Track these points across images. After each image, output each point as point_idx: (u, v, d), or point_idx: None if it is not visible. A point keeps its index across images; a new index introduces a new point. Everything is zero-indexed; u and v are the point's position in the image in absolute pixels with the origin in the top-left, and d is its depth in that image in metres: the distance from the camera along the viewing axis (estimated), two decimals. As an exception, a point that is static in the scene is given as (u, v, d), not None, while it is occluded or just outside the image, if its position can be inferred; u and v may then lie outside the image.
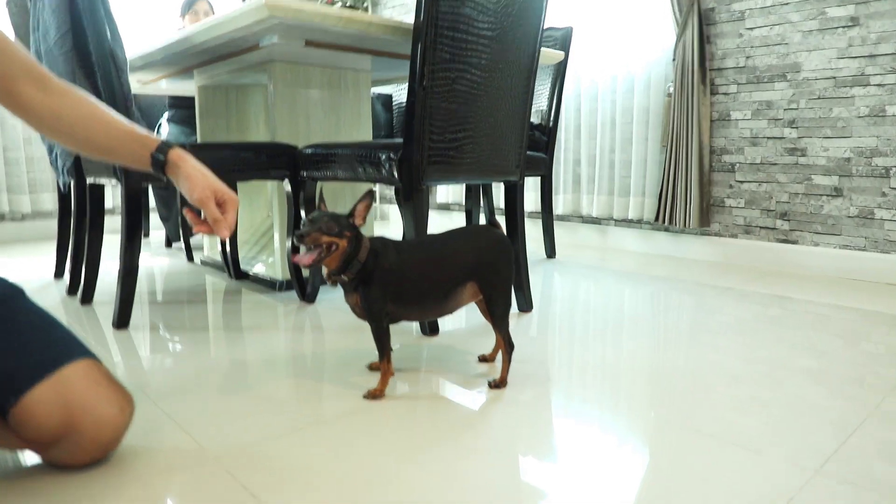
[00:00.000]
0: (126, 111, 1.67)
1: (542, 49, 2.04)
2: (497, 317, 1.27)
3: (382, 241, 1.23)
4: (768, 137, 2.70)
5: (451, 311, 1.29)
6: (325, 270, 1.21)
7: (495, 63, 1.64)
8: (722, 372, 1.30)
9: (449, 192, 4.21)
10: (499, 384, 1.26)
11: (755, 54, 2.71)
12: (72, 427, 0.87)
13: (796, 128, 2.62)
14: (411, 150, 1.53)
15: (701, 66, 2.82)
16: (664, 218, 3.00)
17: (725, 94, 2.82)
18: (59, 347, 0.91)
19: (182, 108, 3.23)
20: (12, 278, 0.97)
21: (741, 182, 2.82)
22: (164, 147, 1.02)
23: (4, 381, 0.85)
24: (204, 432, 1.06)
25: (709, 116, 2.87)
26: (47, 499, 0.85)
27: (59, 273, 2.52)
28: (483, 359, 1.42)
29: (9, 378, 0.86)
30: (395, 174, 1.58)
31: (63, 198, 2.45)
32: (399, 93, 3.23)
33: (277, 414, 1.15)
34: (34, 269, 2.73)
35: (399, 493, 0.86)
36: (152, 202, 3.93)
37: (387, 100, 3.19)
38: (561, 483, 0.90)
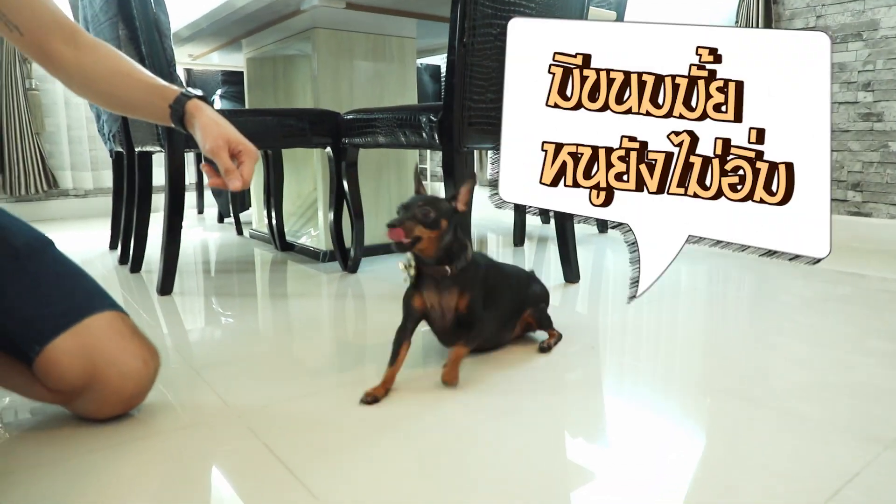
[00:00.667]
0: (170, 77, 1.67)
1: (592, 8, 1.94)
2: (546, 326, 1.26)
3: (480, 258, 1.15)
4: (840, 102, 2.52)
5: (505, 342, 1.24)
6: (406, 262, 1.08)
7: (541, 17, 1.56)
8: (785, 355, 1.19)
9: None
10: (548, 347, 1.23)
11: (827, 13, 2.53)
12: (95, 378, 0.87)
13: (872, 91, 2.43)
14: (451, 112, 1.47)
15: (766, 28, 2.66)
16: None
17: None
18: (85, 298, 0.91)
19: (234, 84, 3.26)
20: (70, 250, 0.97)
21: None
22: (182, 98, 0.99)
23: (30, 330, 0.85)
24: (232, 391, 1.04)
25: (774, 82, 2.70)
26: (70, 447, 0.85)
27: (113, 245, 2.59)
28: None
29: (34, 327, 0.86)
30: (436, 137, 1.53)
31: (118, 170, 2.50)
32: (447, 64, 3.17)
33: (307, 377, 1.13)
34: (92, 242, 2.81)
35: (423, 456, 0.82)
36: (206, 179, 4.00)
37: (435, 71, 3.13)
38: (613, 451, 0.84)
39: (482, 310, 1.08)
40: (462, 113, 1.48)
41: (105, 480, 0.77)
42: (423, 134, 1.56)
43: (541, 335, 1.26)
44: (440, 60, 3.18)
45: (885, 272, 1.99)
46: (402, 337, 1.07)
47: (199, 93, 1.01)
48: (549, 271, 1.97)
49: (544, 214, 3.25)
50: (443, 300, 1.06)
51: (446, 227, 1.02)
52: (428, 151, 4.76)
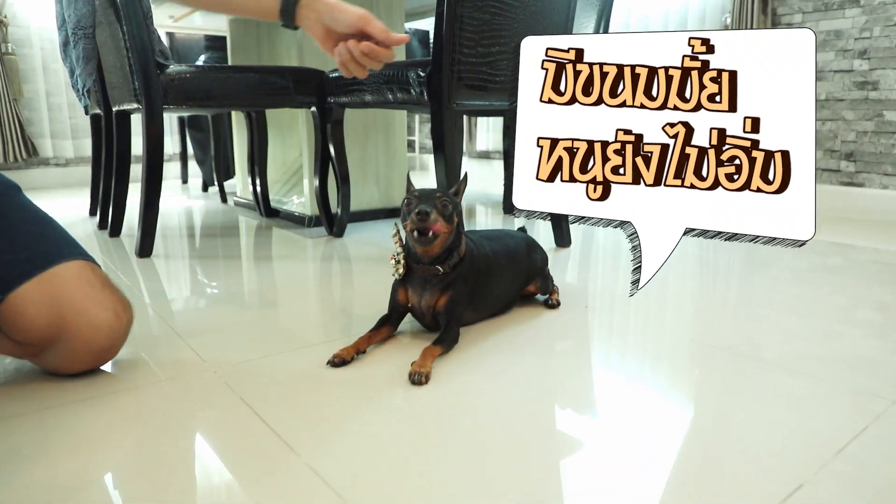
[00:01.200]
0: (148, 33, 1.59)
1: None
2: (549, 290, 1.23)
3: (470, 235, 1.08)
4: (835, 71, 2.48)
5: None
6: (397, 256, 1.00)
7: (533, -29, 1.50)
8: (773, 327, 1.15)
9: (489, 140, 4.07)
10: (556, 303, 1.20)
11: (824, -22, 2.48)
12: (63, 329, 0.82)
13: (868, 59, 2.39)
14: (440, 67, 1.42)
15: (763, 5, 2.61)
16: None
17: (789, 24, 2.60)
18: (52, 246, 0.85)
19: (219, 50, 3.18)
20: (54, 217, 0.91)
21: (802, 121, 2.61)
22: None
23: (-8, 277, 0.80)
24: (209, 348, 1.00)
25: (769, 50, 2.65)
26: (38, 401, 0.80)
27: (93, 211, 2.52)
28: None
29: (-4, 274, 0.80)
30: (424, 94, 1.48)
31: (96, 134, 2.42)
32: (437, 30, 3.09)
33: (286, 337, 1.09)
34: (72, 209, 2.74)
35: (401, 418, 0.78)
36: (191, 150, 3.92)
37: (423, 36, 3.05)
38: (605, 414, 0.81)
39: (461, 310, 1.00)
40: (451, 68, 1.43)
41: (76, 435, 0.73)
42: (412, 91, 1.50)
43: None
44: (429, 25, 3.10)
45: (876, 243, 1.97)
46: (385, 321, 1.02)
47: None
48: (539, 237, 1.93)
49: (534, 185, 3.21)
50: (423, 299, 1.00)
51: (457, 222, 0.97)
52: (417, 123, 4.69)
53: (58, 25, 2.01)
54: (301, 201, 2.32)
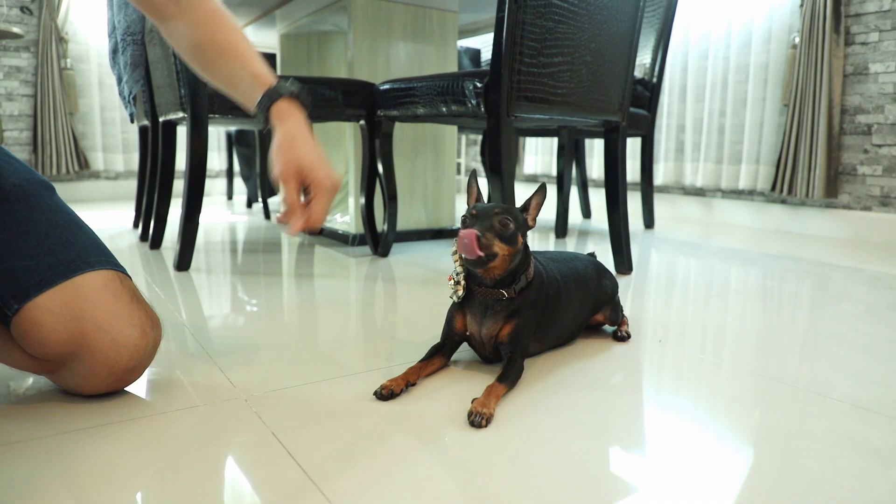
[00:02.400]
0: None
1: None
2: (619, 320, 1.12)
3: (536, 256, 0.96)
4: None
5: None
6: (457, 277, 0.89)
7: (601, -22, 1.41)
8: (845, 370, 0.99)
9: (537, 163, 3.97)
10: (627, 335, 1.09)
11: (906, -5, 2.32)
12: (82, 346, 0.73)
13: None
14: (499, 76, 1.33)
15: (835, 12, 2.46)
16: (782, 188, 2.65)
17: (864, 43, 2.44)
18: (79, 253, 0.77)
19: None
20: (96, 229, 0.84)
21: (878, 146, 2.44)
22: (272, 94, 0.83)
23: (9, 283, 0.72)
24: (241, 372, 0.91)
25: (841, 70, 2.50)
26: (54, 424, 0.72)
27: (137, 223, 2.50)
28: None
29: (14, 281, 0.72)
30: (481, 106, 1.38)
31: (143, 146, 2.41)
32: (488, 48, 3.02)
33: (324, 362, 0.99)
34: (117, 221, 2.72)
35: (456, 467, 0.67)
36: (236, 166, 3.92)
37: (475, 55, 2.99)
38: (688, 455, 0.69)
39: (527, 340, 0.89)
40: (511, 78, 1.33)
41: (91, 464, 0.64)
42: (468, 103, 1.41)
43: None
44: (481, 43, 3.03)
45: (971, 277, 1.78)
46: (438, 350, 0.91)
47: (296, 88, 0.85)
48: (596, 262, 1.81)
49: (586, 209, 3.08)
50: (484, 327, 0.89)
51: (521, 243, 0.86)
52: (463, 145, 4.62)
53: (108, 32, 2.00)
54: (345, 219, 2.25)
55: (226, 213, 3.22)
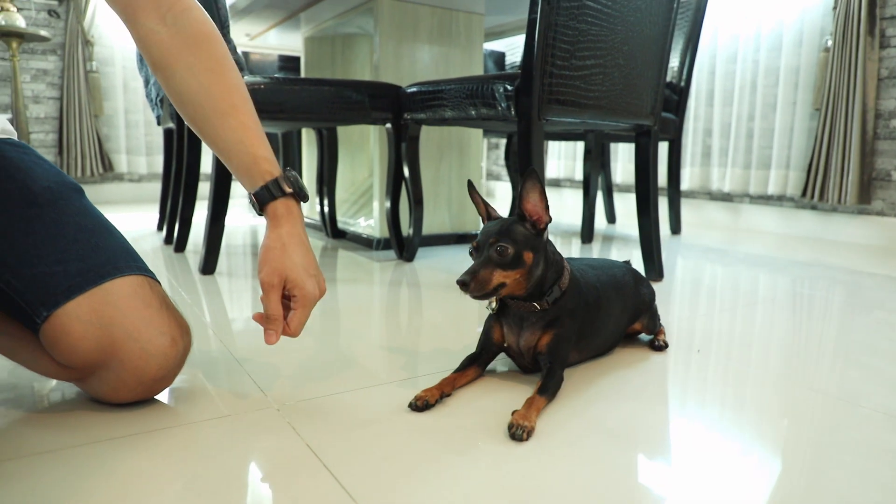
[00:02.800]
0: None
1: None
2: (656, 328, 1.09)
3: (572, 263, 0.93)
4: (956, 97, 2.25)
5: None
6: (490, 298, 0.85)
7: (635, -21, 1.38)
8: (878, 384, 0.94)
9: (560, 167, 3.93)
10: (664, 344, 1.05)
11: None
12: (111, 354, 0.72)
13: None
14: (531, 79, 1.30)
15: (870, 14, 2.40)
16: (813, 193, 2.59)
17: (900, 46, 2.38)
18: (108, 257, 0.75)
19: (292, 71, 3.17)
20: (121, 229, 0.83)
21: (915, 152, 2.37)
22: (275, 191, 0.78)
23: (38, 290, 0.71)
24: (271, 380, 0.89)
25: (875, 74, 2.44)
26: (81, 434, 0.70)
27: (161, 226, 2.50)
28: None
29: (43, 287, 0.71)
30: (511, 109, 1.36)
31: (168, 149, 2.41)
32: (512, 51, 3.00)
33: (353, 371, 0.97)
34: (140, 223, 2.73)
35: (497, 481, 0.65)
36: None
37: (499, 58, 2.96)
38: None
39: (567, 349, 0.86)
40: (543, 80, 1.31)
41: (120, 473, 0.62)
42: (498, 106, 1.39)
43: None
44: (505, 46, 3.01)
45: None
46: (473, 361, 0.88)
47: (298, 184, 0.80)
48: (625, 269, 1.77)
49: (610, 214, 3.04)
50: (522, 339, 0.86)
51: (532, 259, 0.82)
52: (484, 149, 4.59)
53: (136, 36, 2.00)
54: (369, 223, 2.23)
55: (247, 215, 3.22)
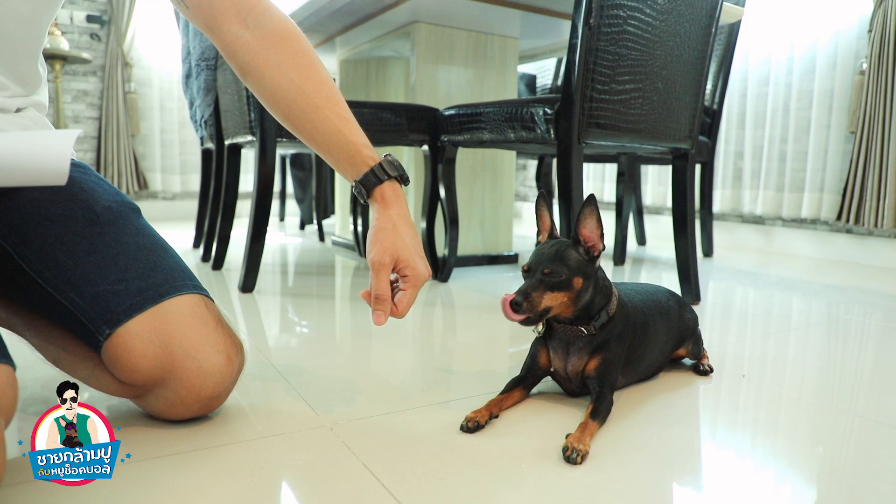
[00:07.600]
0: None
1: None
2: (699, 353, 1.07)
3: (619, 288, 0.92)
4: None
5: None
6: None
7: (672, 3, 1.39)
8: None
9: (589, 188, 3.93)
10: (709, 369, 1.04)
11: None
12: (171, 372, 0.73)
13: None
14: (571, 102, 1.31)
15: (906, 37, 2.38)
16: (848, 217, 2.56)
17: (938, 70, 2.35)
18: (166, 276, 0.78)
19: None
20: None
21: (955, 176, 2.33)
22: (372, 179, 0.80)
23: (101, 308, 0.73)
24: (321, 399, 0.90)
25: (913, 98, 2.41)
26: (136, 450, 0.72)
27: (197, 243, 2.54)
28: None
29: (105, 306, 0.73)
30: (551, 132, 1.37)
31: (206, 167, 2.46)
32: (543, 74, 3.02)
33: (396, 392, 0.98)
34: (176, 240, 2.78)
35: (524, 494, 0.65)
36: (290, 187, 3.99)
37: (530, 80, 2.99)
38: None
39: (616, 374, 0.86)
40: (583, 104, 1.32)
41: (176, 490, 0.63)
42: (537, 129, 1.40)
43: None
44: (536, 69, 3.03)
45: None
46: (519, 383, 0.88)
47: (397, 172, 0.81)
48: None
49: (641, 236, 3.03)
50: (569, 363, 0.86)
51: (582, 284, 0.82)
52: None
53: (182, 57, 2.06)
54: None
55: (279, 234, 3.26)
